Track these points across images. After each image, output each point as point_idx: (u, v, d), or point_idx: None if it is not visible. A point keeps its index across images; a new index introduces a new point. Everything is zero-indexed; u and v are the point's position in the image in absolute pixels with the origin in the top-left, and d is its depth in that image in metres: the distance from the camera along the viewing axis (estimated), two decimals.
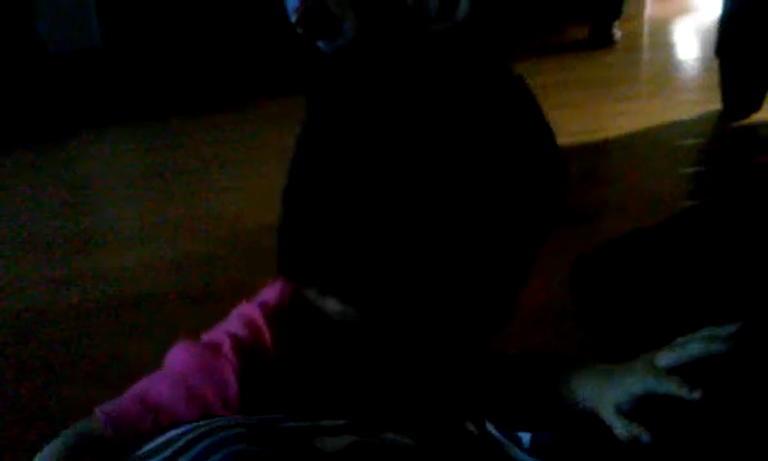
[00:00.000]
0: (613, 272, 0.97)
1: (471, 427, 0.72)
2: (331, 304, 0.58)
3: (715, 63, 2.77)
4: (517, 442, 1.02)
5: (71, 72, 3.44)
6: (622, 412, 0.71)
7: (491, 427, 0.95)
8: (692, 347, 0.70)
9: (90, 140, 3.10)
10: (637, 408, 0.71)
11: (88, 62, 3.47)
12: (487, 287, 0.60)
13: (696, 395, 0.66)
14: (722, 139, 2.79)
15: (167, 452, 0.46)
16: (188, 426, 0.48)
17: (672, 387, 0.68)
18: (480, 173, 0.55)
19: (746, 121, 2.77)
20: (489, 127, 0.56)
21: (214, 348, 0.56)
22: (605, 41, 3.61)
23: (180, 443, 0.45)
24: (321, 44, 3.44)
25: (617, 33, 3.64)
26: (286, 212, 0.59)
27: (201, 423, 0.48)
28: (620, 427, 0.70)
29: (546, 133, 0.61)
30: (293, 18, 3.33)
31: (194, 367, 0.55)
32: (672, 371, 0.70)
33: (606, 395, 0.72)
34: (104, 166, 2.94)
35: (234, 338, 0.56)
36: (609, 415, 0.71)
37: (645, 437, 0.69)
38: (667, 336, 0.77)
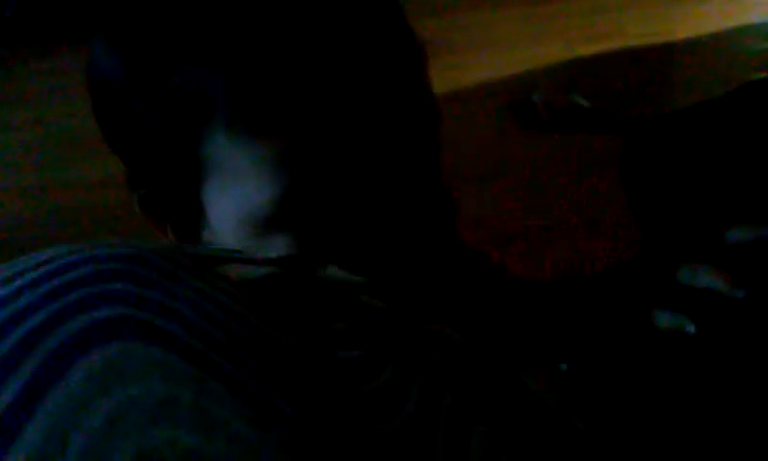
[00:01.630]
0: (664, 146, 0.88)
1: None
2: None
3: None
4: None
5: None
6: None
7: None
8: None
9: None
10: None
11: None
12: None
13: (740, 293, 0.60)
14: None
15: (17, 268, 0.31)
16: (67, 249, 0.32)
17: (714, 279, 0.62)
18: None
19: None
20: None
21: None
22: None
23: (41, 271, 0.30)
24: None
25: None
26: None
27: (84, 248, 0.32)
28: (661, 320, 0.64)
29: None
30: None
31: None
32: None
33: None
34: None
35: None
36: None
37: (689, 327, 0.62)
38: (716, 213, 0.70)
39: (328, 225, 0.45)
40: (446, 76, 2.32)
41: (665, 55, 2.64)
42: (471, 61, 2.67)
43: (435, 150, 0.50)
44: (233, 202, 0.45)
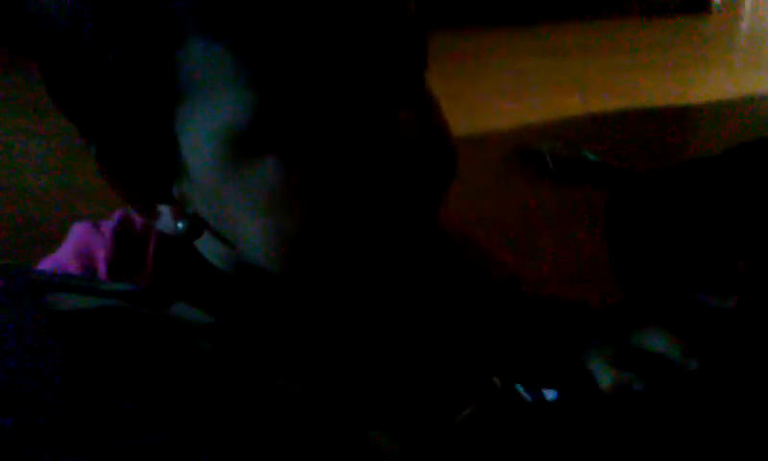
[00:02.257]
0: (647, 201, 0.84)
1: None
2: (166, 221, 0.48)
3: None
4: (543, 400, 0.92)
5: None
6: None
7: (519, 387, 0.82)
8: None
9: None
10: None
11: None
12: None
13: (694, 364, 0.59)
14: None
15: None
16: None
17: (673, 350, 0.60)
18: None
19: None
20: None
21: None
22: (701, 6, 3.38)
23: None
24: None
25: None
26: None
27: None
28: (608, 377, 0.61)
29: None
30: None
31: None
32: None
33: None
34: None
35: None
36: (597, 363, 0.62)
37: (637, 384, 0.60)
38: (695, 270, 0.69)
39: (312, 147, 0.42)
40: (460, 120, 2.31)
41: (680, 116, 2.61)
42: (484, 107, 2.65)
43: (421, 75, 0.46)
44: (211, 122, 0.42)
